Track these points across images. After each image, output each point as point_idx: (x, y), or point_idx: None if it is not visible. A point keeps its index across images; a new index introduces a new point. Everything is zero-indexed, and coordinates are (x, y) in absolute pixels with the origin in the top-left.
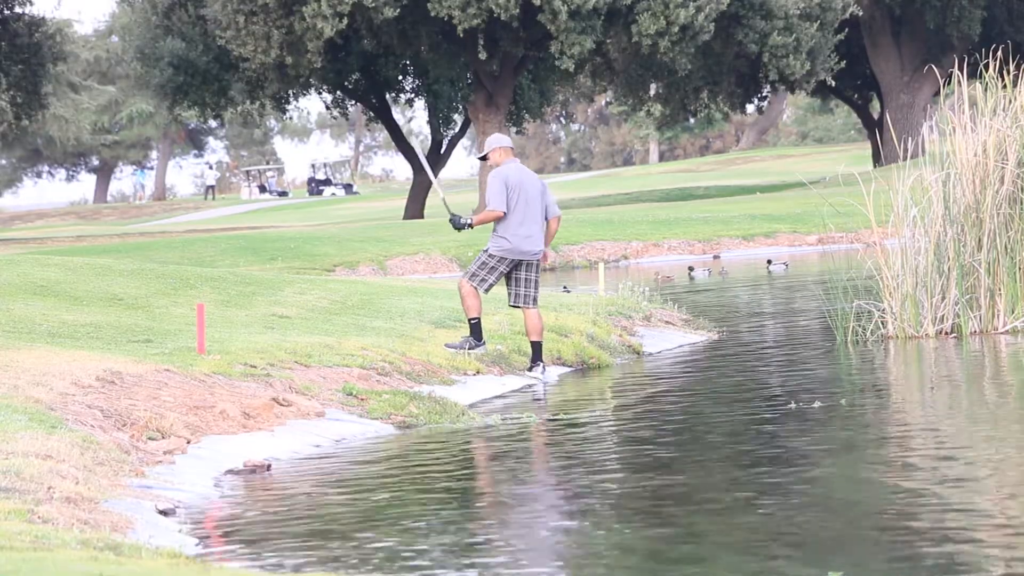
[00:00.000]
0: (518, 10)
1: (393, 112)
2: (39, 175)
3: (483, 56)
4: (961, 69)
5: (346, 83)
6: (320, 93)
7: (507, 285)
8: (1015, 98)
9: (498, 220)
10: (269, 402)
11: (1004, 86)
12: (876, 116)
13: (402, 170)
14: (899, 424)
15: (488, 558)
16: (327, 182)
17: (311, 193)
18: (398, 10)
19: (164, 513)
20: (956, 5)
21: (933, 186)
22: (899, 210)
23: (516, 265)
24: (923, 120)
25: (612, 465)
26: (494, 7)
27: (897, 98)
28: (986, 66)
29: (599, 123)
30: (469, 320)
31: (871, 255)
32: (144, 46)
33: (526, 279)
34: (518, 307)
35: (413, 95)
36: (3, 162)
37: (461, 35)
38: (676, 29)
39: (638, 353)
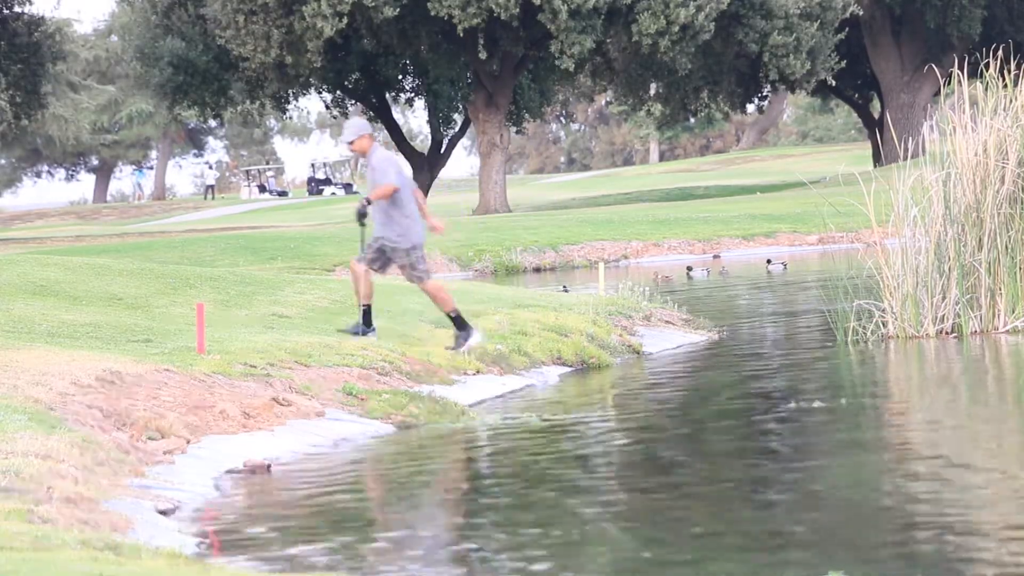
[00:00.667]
0: (518, 9)
1: (393, 112)
2: (39, 175)
3: (483, 56)
4: (961, 69)
5: (346, 83)
6: (320, 93)
7: (388, 267)
8: (1015, 97)
9: (403, 206)
10: (269, 402)
11: (1004, 85)
12: (876, 116)
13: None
14: (899, 424)
15: (487, 558)
16: (327, 182)
17: (311, 193)
18: (398, 9)
19: (164, 513)
20: (956, 4)
21: (933, 186)
22: (899, 210)
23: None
24: (923, 120)
25: (612, 465)
26: (494, 7)
27: (897, 98)
28: (986, 65)
29: (599, 123)
30: (366, 305)
31: (871, 255)
32: (144, 46)
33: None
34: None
35: (413, 95)
36: (3, 162)
37: (461, 35)
38: (676, 28)
39: (638, 353)
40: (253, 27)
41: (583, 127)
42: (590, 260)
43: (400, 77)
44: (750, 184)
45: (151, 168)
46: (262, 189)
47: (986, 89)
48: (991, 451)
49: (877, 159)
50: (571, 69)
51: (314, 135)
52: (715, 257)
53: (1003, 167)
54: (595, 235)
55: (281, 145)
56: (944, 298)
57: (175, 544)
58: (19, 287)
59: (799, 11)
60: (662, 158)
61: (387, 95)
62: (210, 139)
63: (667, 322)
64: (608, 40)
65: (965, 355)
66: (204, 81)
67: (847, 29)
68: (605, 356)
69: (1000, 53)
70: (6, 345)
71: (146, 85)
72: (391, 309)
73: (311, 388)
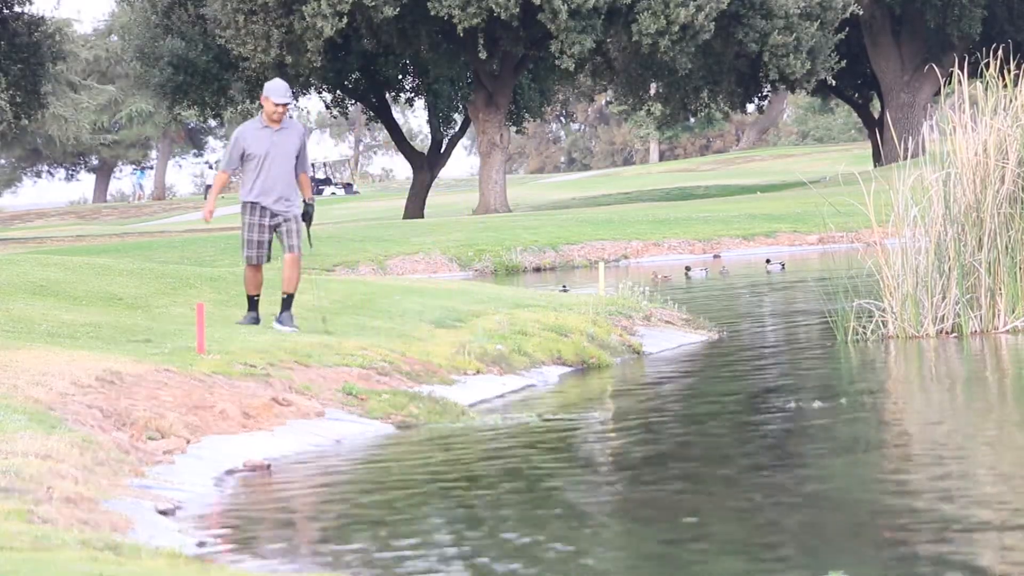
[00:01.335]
0: (518, 9)
1: (393, 112)
2: (38, 175)
3: (483, 55)
4: (961, 68)
5: (346, 82)
6: (320, 93)
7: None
8: (1015, 97)
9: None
10: (269, 402)
11: (1005, 85)
12: (876, 115)
13: (402, 170)
14: (899, 424)
15: (487, 558)
16: (327, 181)
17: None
18: (398, 9)
19: (164, 513)
20: (956, 4)
21: (933, 186)
22: (899, 210)
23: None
24: (923, 119)
25: (612, 464)
26: (494, 6)
27: (897, 97)
28: (986, 65)
29: (599, 123)
30: (293, 296)
31: (871, 255)
32: (144, 45)
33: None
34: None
35: (413, 95)
36: (2, 162)
37: (461, 34)
38: (676, 28)
39: (638, 353)
40: (253, 27)
41: (583, 127)
42: (590, 260)
43: (400, 77)
44: (750, 184)
45: (151, 168)
46: None
47: (986, 89)
48: (991, 450)
49: (877, 159)
50: (571, 69)
51: (314, 135)
52: (715, 257)
53: (1003, 167)
54: (595, 235)
55: None
56: (944, 298)
57: (175, 544)
58: (19, 287)
59: (799, 11)
60: (662, 158)
61: (387, 95)
62: (210, 139)
63: (667, 322)
64: (608, 40)
65: (965, 355)
66: (204, 81)
67: (847, 29)
68: (605, 356)
69: (1000, 53)
70: (6, 345)
71: (146, 85)
72: (391, 309)
73: (311, 388)
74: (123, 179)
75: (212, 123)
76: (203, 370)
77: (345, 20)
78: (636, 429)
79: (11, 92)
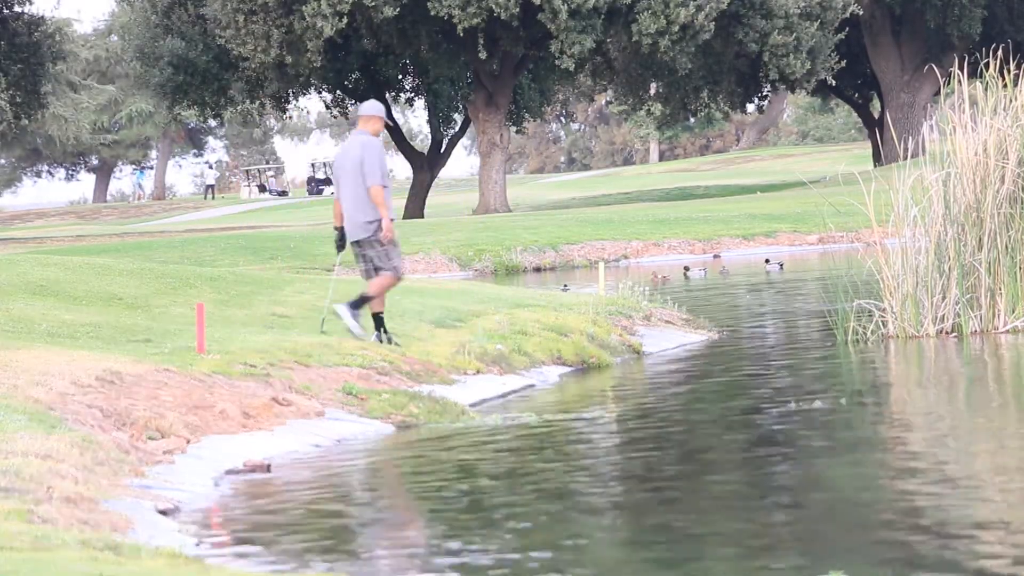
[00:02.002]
0: (518, 9)
1: (393, 112)
2: (38, 174)
3: (483, 55)
4: (961, 68)
5: (346, 82)
6: (320, 92)
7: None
8: (1015, 97)
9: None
10: (269, 402)
11: (1004, 85)
12: (876, 115)
13: (402, 170)
14: (899, 424)
15: (486, 558)
16: (327, 181)
17: (311, 192)
18: (398, 9)
19: (164, 513)
20: (956, 4)
21: (933, 185)
22: (899, 210)
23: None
24: (923, 119)
25: (611, 465)
26: (494, 6)
27: (897, 97)
28: (986, 65)
29: (599, 123)
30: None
31: (871, 255)
32: (144, 45)
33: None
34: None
35: (413, 95)
36: (2, 162)
37: (461, 34)
38: (676, 28)
39: (638, 352)
40: (253, 27)
41: (583, 127)
42: (590, 260)
43: (400, 77)
44: (750, 184)
45: (151, 168)
46: (262, 189)
47: (986, 89)
48: (991, 450)
49: (877, 159)
50: (571, 69)
51: (314, 135)
52: (715, 257)
53: (1003, 167)
54: (595, 235)
55: (281, 145)
56: (944, 298)
57: (175, 544)
58: (19, 287)
59: (799, 11)
60: (662, 158)
61: (387, 95)
62: (210, 139)
63: (667, 322)
64: (608, 40)
65: (965, 355)
66: (204, 81)
67: (847, 29)
68: (605, 356)
69: (1000, 53)
70: (6, 345)
71: (146, 85)
72: (390, 309)
73: (311, 388)
74: (123, 179)
75: (212, 123)
76: (203, 370)
77: (345, 20)
78: (636, 429)
79: (11, 92)
